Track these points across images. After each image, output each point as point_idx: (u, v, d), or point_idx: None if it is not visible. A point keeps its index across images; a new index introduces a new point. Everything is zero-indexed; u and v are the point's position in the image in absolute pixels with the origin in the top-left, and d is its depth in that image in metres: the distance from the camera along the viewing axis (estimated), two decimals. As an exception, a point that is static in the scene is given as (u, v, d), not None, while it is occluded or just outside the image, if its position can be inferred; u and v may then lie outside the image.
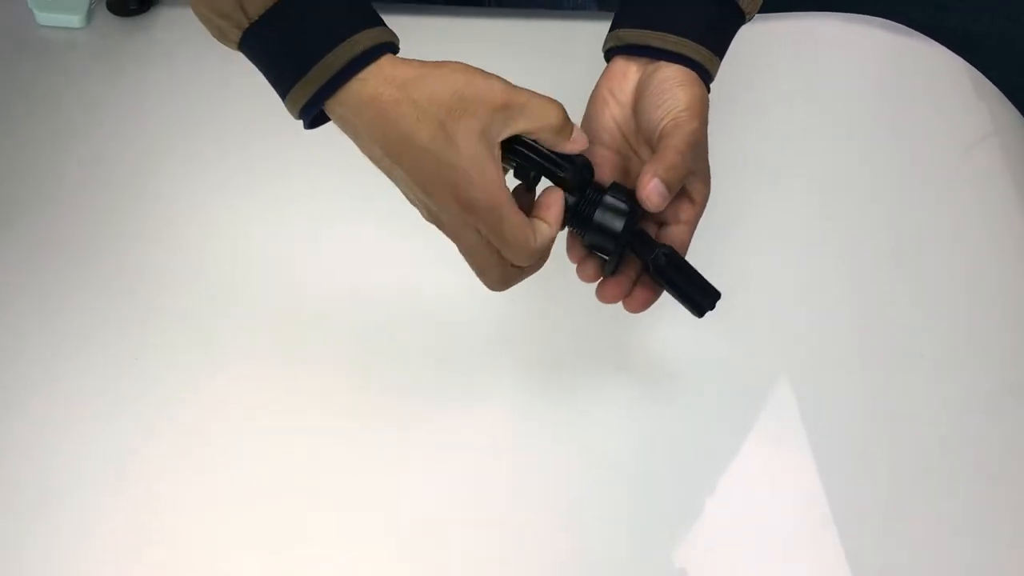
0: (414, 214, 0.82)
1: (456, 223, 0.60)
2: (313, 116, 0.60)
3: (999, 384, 0.79)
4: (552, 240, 0.63)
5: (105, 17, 0.96)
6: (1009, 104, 0.98)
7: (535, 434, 0.74)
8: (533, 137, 0.61)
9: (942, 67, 0.98)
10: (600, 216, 0.63)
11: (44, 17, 0.95)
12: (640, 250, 0.65)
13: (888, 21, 1.00)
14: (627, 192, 0.64)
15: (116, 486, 0.70)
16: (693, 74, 0.65)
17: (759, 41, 0.98)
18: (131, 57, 0.94)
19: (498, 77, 0.59)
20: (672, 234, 0.66)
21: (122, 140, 0.88)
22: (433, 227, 0.63)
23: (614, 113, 0.67)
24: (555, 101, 0.61)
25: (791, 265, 0.84)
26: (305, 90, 0.58)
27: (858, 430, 0.75)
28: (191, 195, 0.85)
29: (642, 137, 0.66)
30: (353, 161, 0.59)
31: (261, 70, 0.61)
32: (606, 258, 0.65)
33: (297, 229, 0.84)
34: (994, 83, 0.99)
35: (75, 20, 0.95)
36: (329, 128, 0.62)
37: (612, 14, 0.68)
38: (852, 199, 0.89)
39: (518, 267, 0.63)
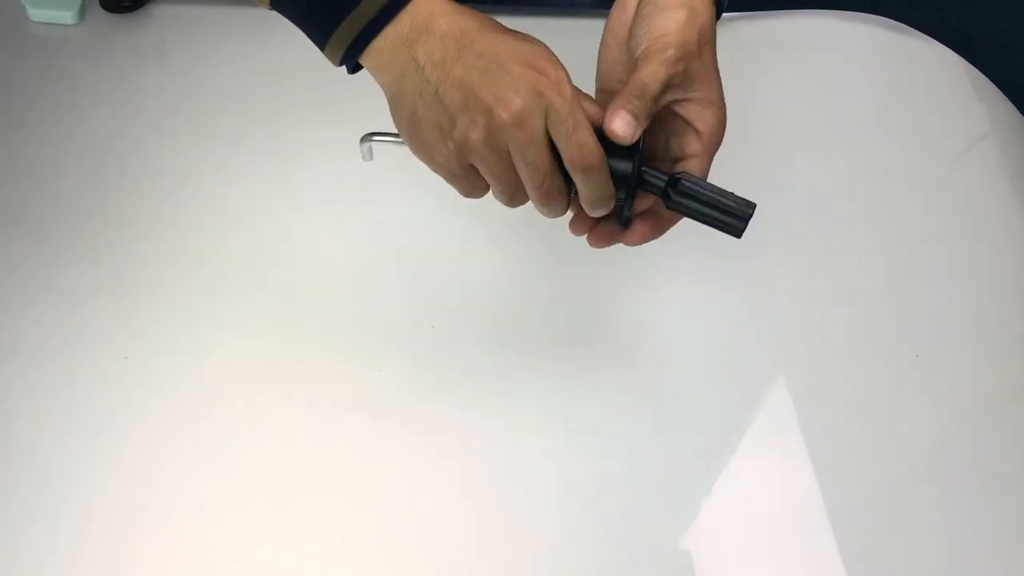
0: (410, 208, 0.82)
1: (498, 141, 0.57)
2: (355, 58, 0.57)
3: (997, 385, 0.79)
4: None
5: (98, 14, 0.95)
6: (1008, 103, 0.98)
7: (529, 430, 0.74)
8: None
9: (941, 65, 0.98)
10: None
11: (37, 14, 0.95)
12: (651, 185, 0.60)
13: (887, 19, 1.00)
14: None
15: (107, 483, 0.70)
16: None
17: (757, 38, 0.98)
18: (124, 54, 0.94)
19: (568, 77, 0.57)
20: (684, 170, 0.61)
21: (114, 137, 0.88)
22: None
23: (614, 55, 0.63)
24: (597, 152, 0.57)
25: (788, 264, 0.83)
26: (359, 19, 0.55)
27: (854, 431, 0.75)
28: (183, 192, 0.85)
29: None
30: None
31: (293, 17, 0.57)
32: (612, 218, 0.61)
33: (291, 224, 0.84)
34: (993, 82, 0.98)
35: (68, 16, 0.94)
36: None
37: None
38: (850, 198, 0.89)
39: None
